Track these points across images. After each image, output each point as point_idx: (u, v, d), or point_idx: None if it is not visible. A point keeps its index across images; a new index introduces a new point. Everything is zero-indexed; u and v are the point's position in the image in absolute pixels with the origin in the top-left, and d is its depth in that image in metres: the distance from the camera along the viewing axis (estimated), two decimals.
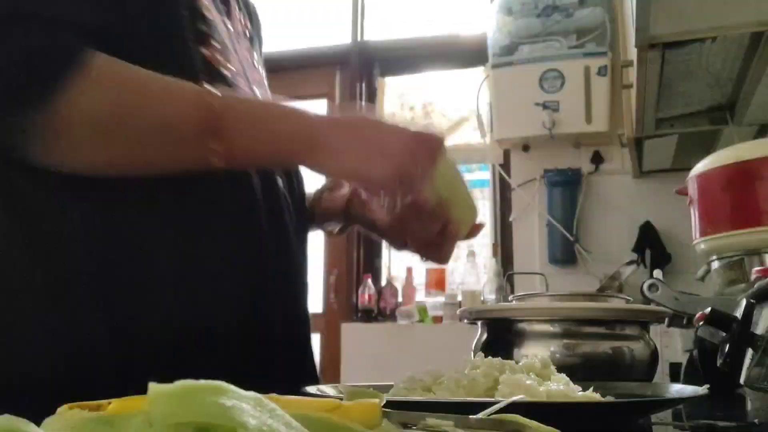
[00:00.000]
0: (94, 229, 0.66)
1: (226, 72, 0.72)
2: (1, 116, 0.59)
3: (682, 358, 1.06)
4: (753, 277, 0.78)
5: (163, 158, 0.65)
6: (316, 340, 1.50)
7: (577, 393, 0.55)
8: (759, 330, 0.62)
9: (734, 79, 1.45)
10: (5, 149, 0.62)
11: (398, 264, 2.91)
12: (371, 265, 2.98)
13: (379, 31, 3.13)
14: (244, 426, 0.22)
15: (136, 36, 0.66)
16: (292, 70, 2.86)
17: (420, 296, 2.78)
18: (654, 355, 0.84)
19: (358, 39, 3.11)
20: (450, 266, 2.82)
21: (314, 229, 0.91)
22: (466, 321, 0.92)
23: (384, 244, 1.25)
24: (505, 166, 2.75)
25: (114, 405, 0.27)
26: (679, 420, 0.66)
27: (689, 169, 1.17)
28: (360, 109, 2.17)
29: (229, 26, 0.79)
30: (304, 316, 0.82)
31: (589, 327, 0.81)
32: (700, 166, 1.13)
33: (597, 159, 2.62)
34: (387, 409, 0.29)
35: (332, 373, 2.56)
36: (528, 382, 0.53)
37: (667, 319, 0.94)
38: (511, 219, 2.70)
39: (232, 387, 0.23)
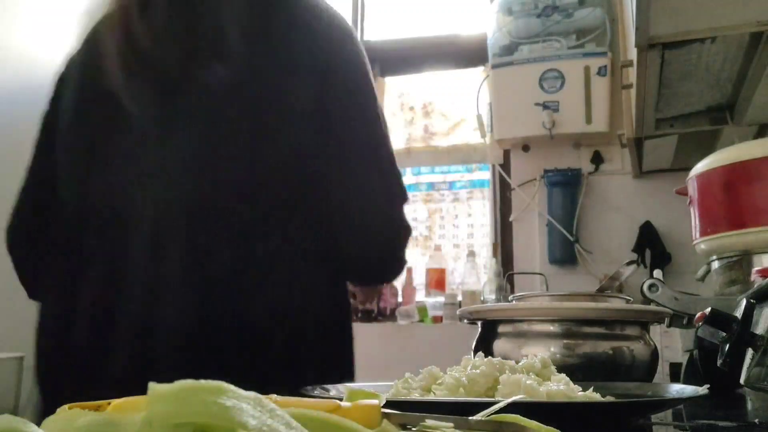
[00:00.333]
0: None
1: None
2: None
3: (682, 358, 1.06)
4: (753, 277, 0.78)
5: None
6: None
7: (577, 393, 0.54)
8: (759, 330, 0.62)
9: (734, 79, 1.45)
10: None
11: None
12: None
13: (379, 31, 3.13)
14: (244, 426, 0.22)
15: None
16: None
17: (420, 296, 2.77)
18: (654, 356, 0.84)
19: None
20: (450, 266, 2.82)
21: None
22: (465, 321, 0.92)
23: None
24: (505, 166, 2.75)
25: (114, 405, 0.27)
26: (679, 420, 0.66)
27: (689, 169, 1.17)
28: None
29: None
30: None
31: (589, 327, 0.81)
32: (700, 166, 1.13)
33: (597, 159, 2.62)
34: (387, 410, 0.29)
35: None
36: (528, 382, 0.53)
37: (667, 319, 0.94)
38: (511, 219, 2.70)
39: (231, 387, 0.23)
